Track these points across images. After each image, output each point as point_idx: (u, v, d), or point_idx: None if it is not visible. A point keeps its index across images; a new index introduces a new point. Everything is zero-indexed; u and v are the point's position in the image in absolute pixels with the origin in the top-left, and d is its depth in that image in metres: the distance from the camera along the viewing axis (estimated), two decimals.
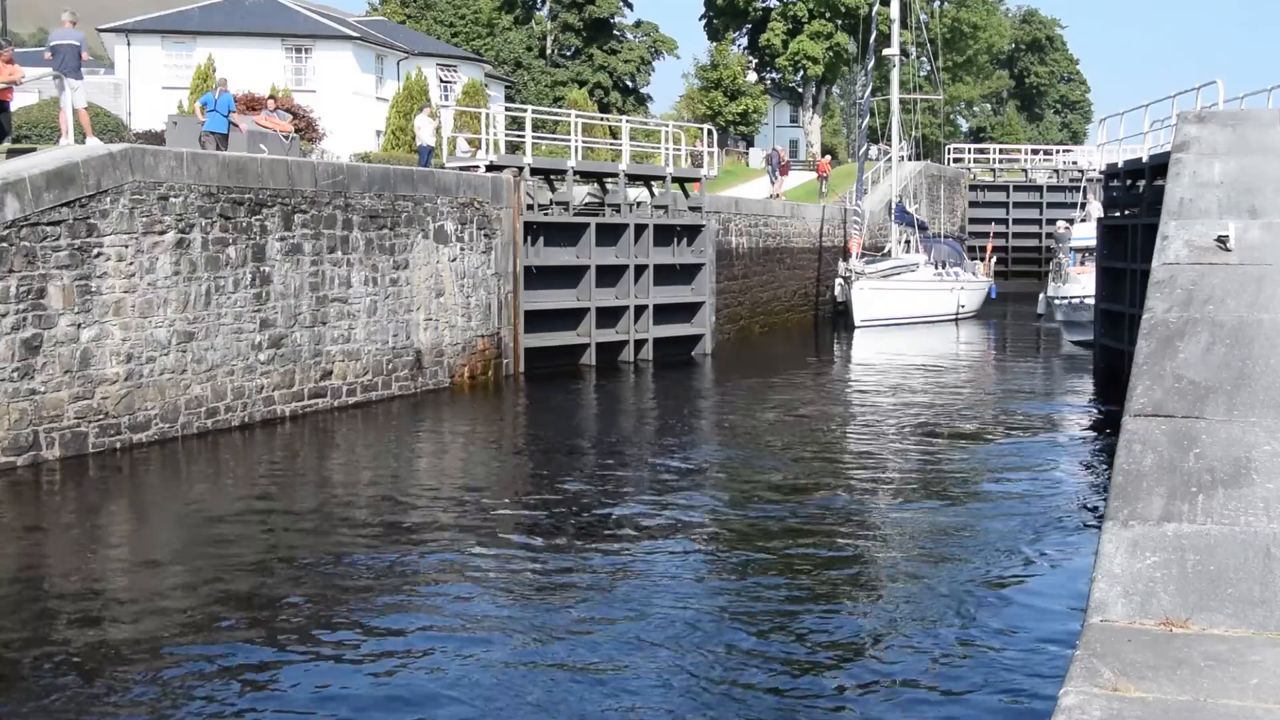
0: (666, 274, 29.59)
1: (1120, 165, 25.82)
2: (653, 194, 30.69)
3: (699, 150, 34.51)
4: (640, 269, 28.47)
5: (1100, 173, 29.87)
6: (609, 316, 27.99)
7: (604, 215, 28.37)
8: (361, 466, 17.05)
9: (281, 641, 9.50)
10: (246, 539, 12.77)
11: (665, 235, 29.69)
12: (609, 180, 29.77)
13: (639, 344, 28.77)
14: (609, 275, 27.80)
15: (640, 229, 28.54)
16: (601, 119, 37.55)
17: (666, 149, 31.26)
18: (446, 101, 47.92)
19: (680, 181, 31.08)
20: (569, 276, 27.08)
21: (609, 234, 27.87)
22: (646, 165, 31.94)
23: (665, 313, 29.51)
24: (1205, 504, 5.55)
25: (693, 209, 30.99)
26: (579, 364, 27.23)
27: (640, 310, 28.68)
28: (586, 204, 29.23)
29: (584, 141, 31.86)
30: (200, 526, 13.35)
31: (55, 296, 15.70)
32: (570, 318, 27.21)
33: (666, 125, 33.14)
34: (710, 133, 33.94)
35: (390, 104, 42.34)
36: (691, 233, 30.59)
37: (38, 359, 15.48)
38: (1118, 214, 25.69)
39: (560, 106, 54.61)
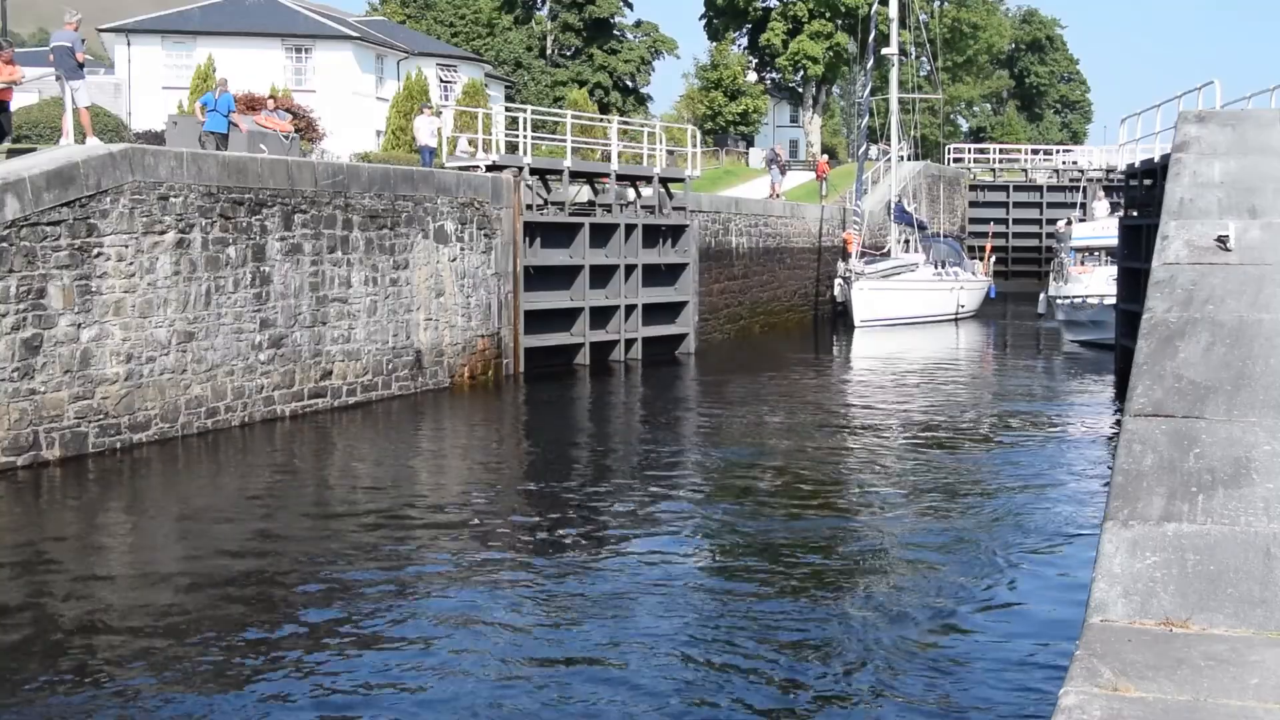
0: (653, 274, 29.73)
1: (1137, 165, 25.88)
2: (639, 194, 30.79)
3: (659, 150, 34.36)
4: (630, 269, 28.61)
5: (1120, 173, 29.94)
6: (600, 316, 28.09)
7: (596, 215, 28.50)
8: (361, 466, 17.05)
9: (281, 641, 9.50)
10: (246, 539, 12.77)
11: (652, 236, 29.84)
12: (600, 181, 29.89)
13: (629, 343, 28.87)
14: (599, 275, 27.93)
15: (630, 229, 28.67)
16: (595, 119, 37.52)
17: (651, 150, 31.30)
18: (446, 101, 47.92)
19: (666, 182, 31.19)
20: (563, 277, 27.17)
21: (600, 234, 28.01)
22: (635, 166, 31.99)
23: (651, 312, 29.63)
24: (1205, 504, 5.54)
25: (677, 209, 31.09)
26: (573, 363, 27.28)
27: (630, 310, 28.80)
28: (577, 205, 29.34)
29: (581, 142, 31.92)
30: (200, 527, 13.35)
31: (55, 296, 15.70)
32: (564, 318, 27.29)
33: (654, 126, 33.16)
34: (694, 134, 33.96)
35: (390, 104, 42.35)
36: (676, 233, 30.74)
37: (38, 359, 15.48)
38: (1135, 214, 25.70)
39: (560, 106, 54.61)
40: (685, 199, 31.53)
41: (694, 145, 32.94)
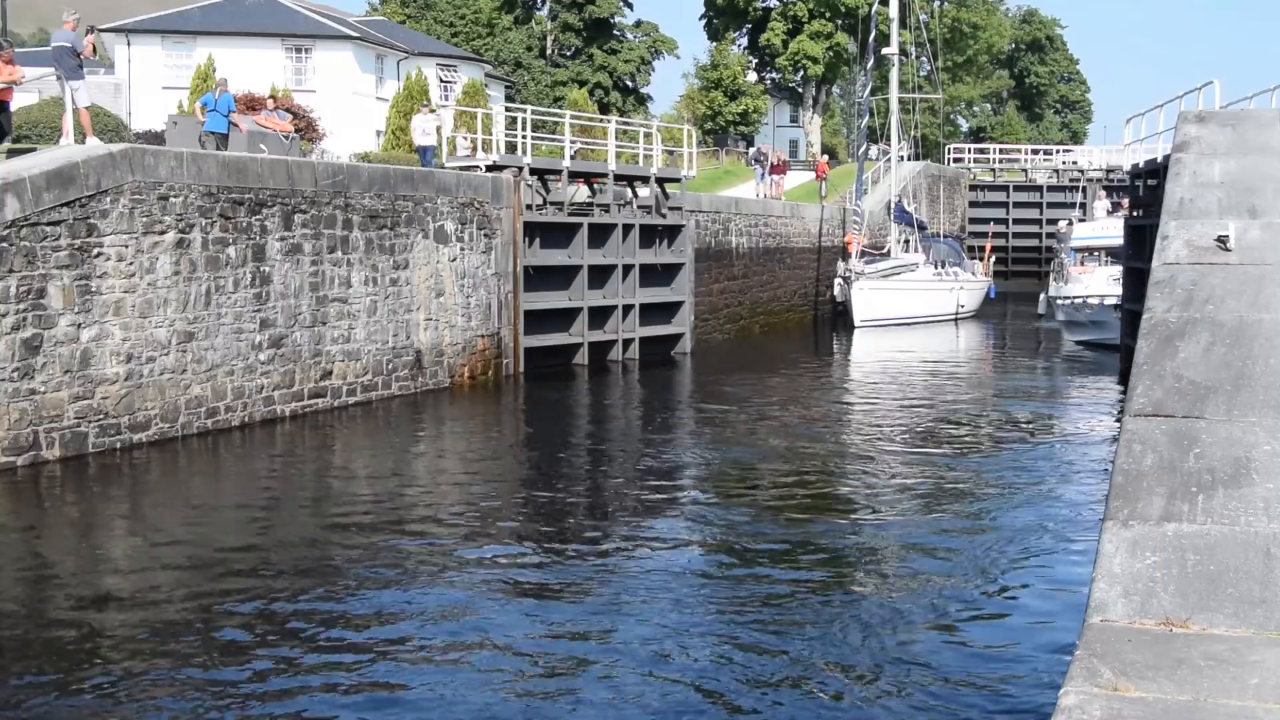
0: (649, 274, 29.78)
1: (1141, 165, 25.86)
2: (635, 194, 30.79)
3: (656, 150, 34.28)
4: (627, 269, 28.64)
5: (1126, 173, 29.95)
6: (598, 316, 28.13)
7: (594, 215, 28.53)
8: (361, 466, 17.04)
9: (280, 642, 9.50)
10: (246, 539, 12.77)
11: (649, 236, 29.87)
12: (598, 181, 29.89)
13: (626, 343, 28.89)
14: (597, 275, 27.96)
15: (627, 229, 28.70)
16: (593, 120, 37.45)
17: (648, 150, 31.29)
18: (446, 101, 47.92)
19: (663, 182, 31.20)
20: (562, 277, 27.19)
21: (598, 234, 28.04)
22: (632, 166, 32.01)
23: (648, 312, 29.67)
24: (1205, 504, 5.54)
25: (673, 209, 31.10)
26: (571, 363, 27.30)
27: (627, 310, 28.83)
28: (575, 205, 29.38)
29: (581, 141, 31.91)
30: (200, 527, 13.35)
31: (55, 296, 15.70)
32: (563, 318, 27.31)
33: (650, 126, 33.14)
34: (690, 134, 33.98)
35: (390, 104, 42.33)
36: (672, 233, 30.77)
37: (38, 359, 15.48)
38: (1140, 213, 25.65)
39: (560, 106, 54.60)
40: (682, 199, 31.56)
41: (690, 145, 32.95)
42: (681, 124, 45.60)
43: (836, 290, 39.09)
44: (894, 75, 44.96)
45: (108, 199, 16.44)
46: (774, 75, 75.58)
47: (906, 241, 43.02)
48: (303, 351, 19.90)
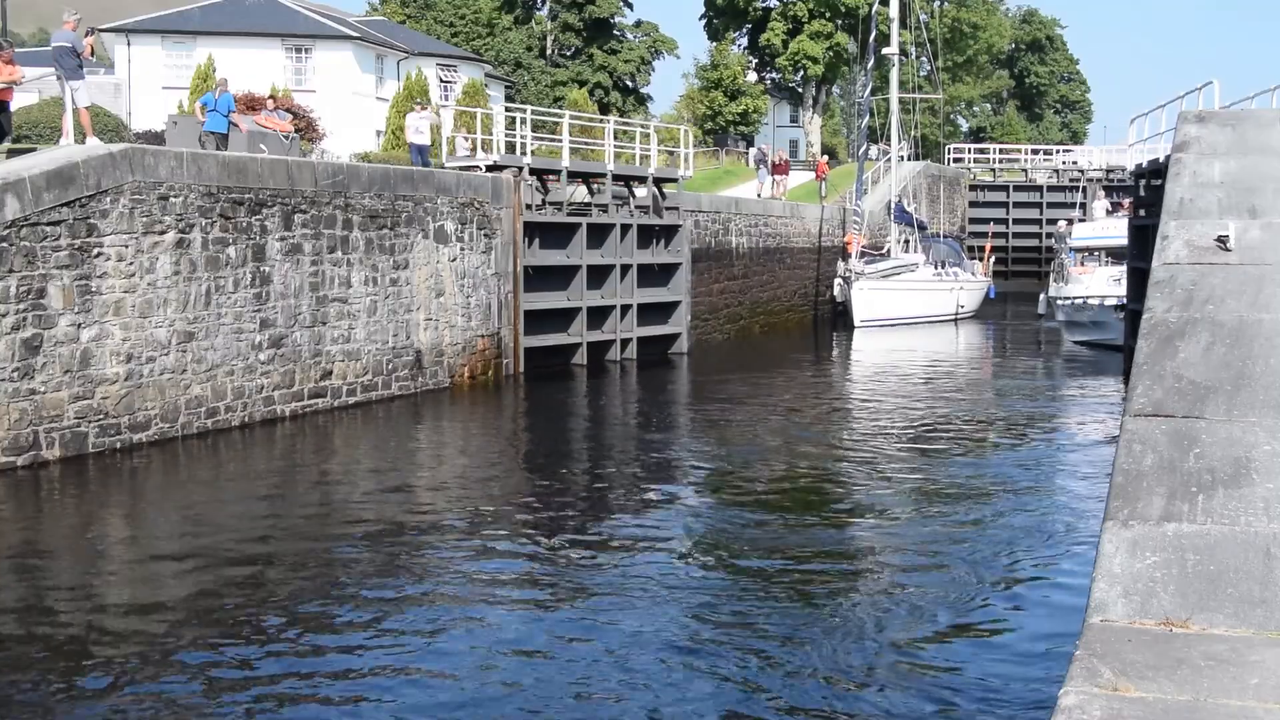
0: (646, 274, 29.81)
1: (1144, 165, 25.82)
2: (633, 195, 30.80)
3: (653, 150, 34.16)
4: (625, 269, 28.65)
5: (1130, 173, 29.97)
6: (596, 316, 28.15)
7: (593, 215, 28.54)
8: (361, 467, 17.04)
9: (280, 642, 9.50)
10: (246, 539, 12.77)
11: (646, 236, 29.91)
12: (596, 181, 29.91)
13: (624, 343, 28.91)
14: (595, 275, 27.99)
15: (625, 229, 28.71)
16: (591, 120, 37.39)
17: (645, 150, 31.30)
18: (446, 101, 47.91)
19: (660, 182, 31.20)
20: (560, 277, 27.21)
21: (596, 234, 28.06)
22: (630, 166, 32.03)
23: (646, 312, 29.70)
24: (1205, 504, 5.54)
25: (670, 209, 31.11)
26: (570, 363, 27.31)
27: (625, 310, 28.85)
28: (574, 205, 29.41)
29: (580, 142, 31.91)
30: (200, 527, 13.35)
31: (55, 296, 15.70)
32: (562, 318, 27.32)
33: (648, 127, 33.14)
34: (687, 134, 33.96)
35: (390, 104, 42.33)
36: (669, 233, 30.78)
37: (38, 359, 15.48)
38: (1143, 214, 25.59)
39: (560, 106, 54.58)
40: (679, 199, 31.56)
41: (687, 146, 32.93)
42: (681, 124, 45.60)
43: (836, 290, 39.09)
44: (894, 75, 44.97)
45: (108, 199, 16.44)
46: (774, 75, 75.55)
47: (906, 241, 43.02)
48: (303, 351, 19.90)
